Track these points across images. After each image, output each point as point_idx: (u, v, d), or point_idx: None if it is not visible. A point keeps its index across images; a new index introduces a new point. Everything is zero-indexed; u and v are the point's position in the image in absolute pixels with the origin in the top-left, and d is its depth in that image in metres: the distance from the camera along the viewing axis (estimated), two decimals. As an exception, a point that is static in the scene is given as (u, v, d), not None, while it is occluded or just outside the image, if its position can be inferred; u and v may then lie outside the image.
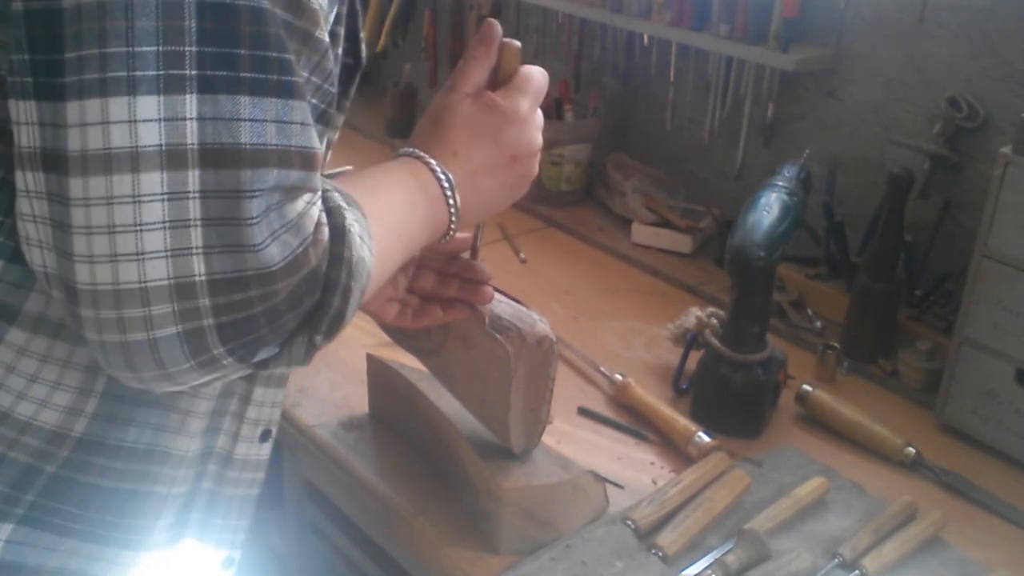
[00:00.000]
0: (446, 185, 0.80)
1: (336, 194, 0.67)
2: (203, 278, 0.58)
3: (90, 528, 0.74)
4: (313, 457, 1.14)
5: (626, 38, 1.74)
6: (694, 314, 1.28)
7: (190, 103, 0.57)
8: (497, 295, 0.97)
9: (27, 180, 0.60)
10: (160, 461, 0.76)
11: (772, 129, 1.59)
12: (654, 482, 1.09)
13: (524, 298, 0.98)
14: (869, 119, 1.47)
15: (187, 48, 0.57)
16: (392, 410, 1.16)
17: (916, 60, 1.39)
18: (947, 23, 1.35)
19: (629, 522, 0.99)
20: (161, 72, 0.56)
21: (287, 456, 1.22)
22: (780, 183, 1.22)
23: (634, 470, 1.11)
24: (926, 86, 1.39)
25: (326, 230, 0.64)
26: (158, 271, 0.58)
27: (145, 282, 0.58)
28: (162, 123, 0.56)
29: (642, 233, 1.66)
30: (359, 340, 1.26)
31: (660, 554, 0.95)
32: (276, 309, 0.61)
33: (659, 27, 1.61)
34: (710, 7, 1.53)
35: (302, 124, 0.61)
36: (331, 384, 1.24)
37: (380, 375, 1.16)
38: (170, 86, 0.56)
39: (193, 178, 0.57)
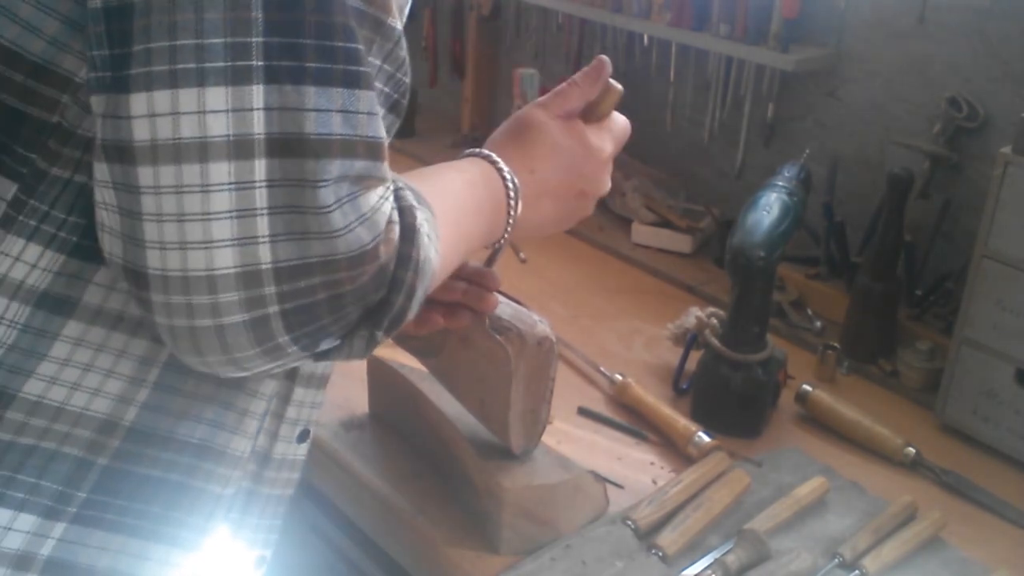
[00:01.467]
0: (512, 195, 0.81)
1: (409, 192, 0.67)
2: (269, 266, 0.59)
3: (139, 522, 0.74)
4: (313, 457, 1.14)
5: (626, 38, 1.75)
6: (694, 314, 1.28)
7: (257, 93, 0.58)
8: (497, 295, 0.97)
9: (103, 170, 0.61)
10: (215, 459, 0.76)
11: (772, 129, 1.59)
12: (654, 482, 1.09)
13: (524, 298, 0.98)
14: (869, 119, 1.47)
15: (254, 39, 0.58)
16: (392, 410, 1.16)
17: (916, 60, 1.39)
18: (947, 23, 1.35)
19: (629, 522, 0.99)
20: (229, 64, 0.57)
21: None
22: (780, 183, 1.22)
23: (634, 470, 1.11)
24: (926, 86, 1.39)
25: (397, 228, 0.64)
26: (225, 259, 0.59)
27: (213, 270, 0.59)
28: (230, 114, 0.57)
29: (642, 233, 1.66)
30: (359, 340, 1.26)
31: (660, 554, 0.95)
32: (340, 300, 0.61)
33: (659, 27, 1.61)
34: (710, 7, 1.53)
35: (368, 114, 0.62)
36: (331, 384, 1.23)
37: (380, 375, 1.16)
38: (238, 77, 0.57)
39: (259, 167, 0.58)
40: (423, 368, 1.08)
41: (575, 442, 1.14)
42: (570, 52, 1.87)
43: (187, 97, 0.57)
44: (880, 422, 1.17)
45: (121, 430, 0.72)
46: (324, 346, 0.64)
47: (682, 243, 1.64)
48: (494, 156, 0.82)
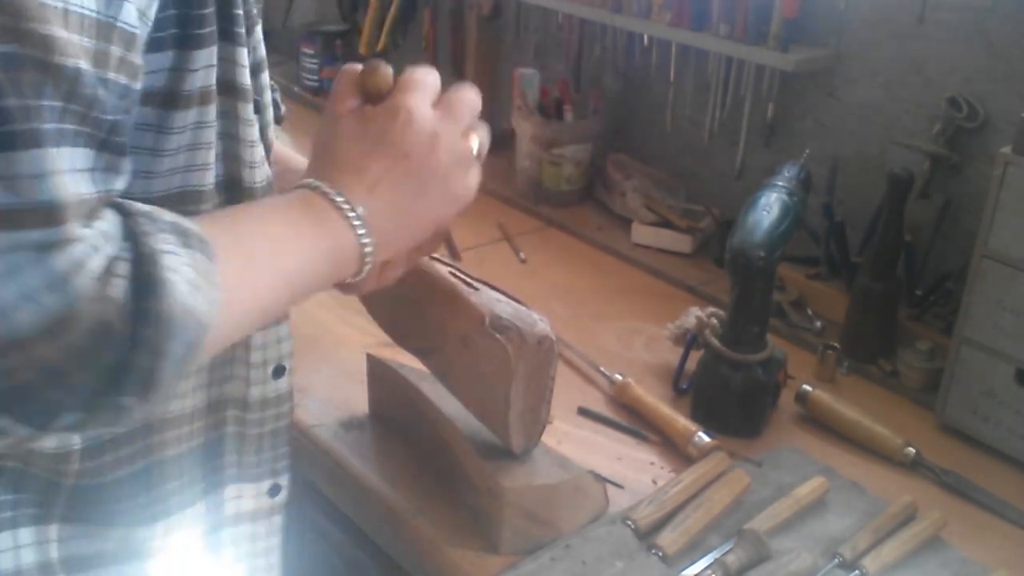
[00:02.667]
0: (343, 204, 0.72)
1: (160, 237, 0.60)
2: None
3: (131, 514, 0.77)
4: (313, 457, 1.14)
5: (626, 38, 1.74)
6: (694, 314, 1.28)
7: None
8: (497, 295, 0.97)
9: None
10: (160, 429, 0.78)
11: (772, 129, 1.59)
12: (654, 482, 1.09)
13: (524, 298, 0.98)
14: (869, 119, 1.47)
15: None
16: (392, 410, 1.16)
17: (916, 60, 1.39)
18: (947, 23, 1.35)
19: (629, 522, 0.99)
20: None
21: (287, 456, 1.22)
22: (780, 183, 1.22)
23: (634, 470, 1.11)
24: (926, 86, 1.39)
25: (122, 284, 0.57)
26: None
27: None
28: None
29: (642, 233, 1.66)
30: (359, 340, 1.26)
31: (660, 554, 0.95)
32: (55, 373, 0.55)
33: (659, 27, 1.61)
34: (710, 7, 1.53)
35: (37, 176, 0.54)
36: (331, 384, 1.24)
37: (380, 375, 1.16)
38: None
39: None
40: (423, 368, 1.08)
41: (575, 442, 1.14)
42: (570, 52, 1.87)
43: None
44: (880, 422, 1.17)
45: (75, 455, 0.73)
46: (66, 419, 0.58)
47: (682, 243, 1.64)
48: (305, 180, 0.73)
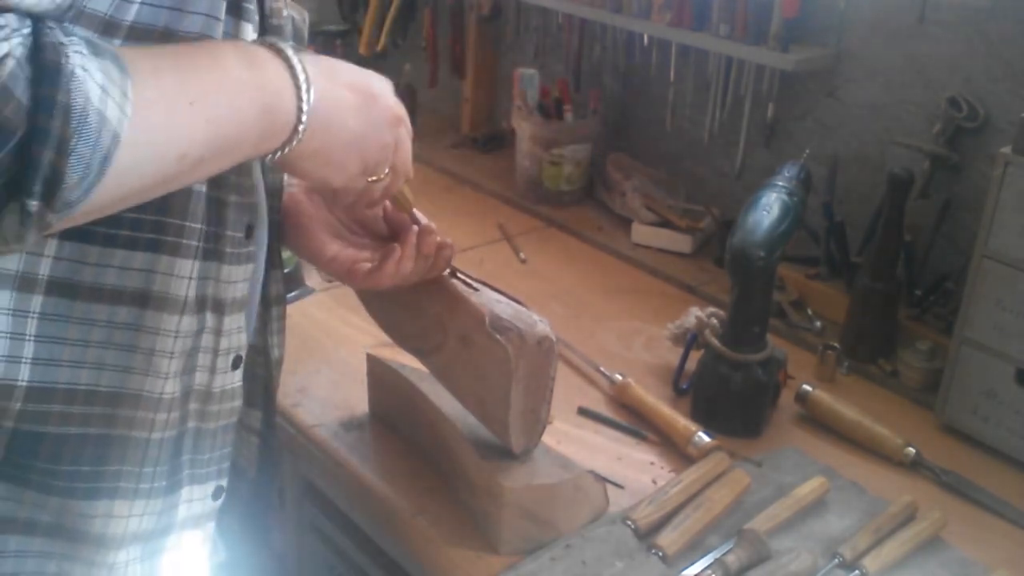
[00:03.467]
0: (291, 56, 0.68)
1: (69, 39, 0.55)
2: None
3: (71, 483, 0.73)
4: (313, 457, 1.14)
5: (626, 38, 1.74)
6: (694, 314, 1.28)
7: None
8: (497, 296, 0.97)
9: None
10: (131, 405, 0.74)
11: (772, 129, 1.59)
12: (654, 482, 1.09)
13: (524, 298, 0.98)
14: (869, 119, 1.47)
15: None
16: (392, 410, 1.16)
17: (916, 60, 1.39)
18: (947, 23, 1.35)
19: (629, 522, 0.99)
20: None
21: (287, 456, 1.22)
22: (780, 183, 1.22)
23: (634, 470, 1.11)
24: (926, 86, 1.39)
25: (14, 64, 0.52)
26: None
27: None
28: None
29: (642, 233, 1.66)
30: (359, 340, 1.26)
31: (660, 554, 0.95)
32: None
33: (659, 27, 1.61)
34: (710, 7, 1.53)
35: None
36: (331, 384, 1.24)
37: (380, 375, 1.16)
38: None
39: None
40: (423, 368, 1.08)
41: (575, 442, 1.14)
42: (570, 52, 1.87)
43: None
44: (880, 422, 1.17)
45: (19, 391, 0.69)
46: None
47: (682, 243, 1.64)
48: (268, 39, 0.70)
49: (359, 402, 1.19)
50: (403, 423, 1.14)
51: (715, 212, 1.63)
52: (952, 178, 1.37)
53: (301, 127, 0.70)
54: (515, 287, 1.00)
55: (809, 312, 1.43)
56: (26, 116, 0.52)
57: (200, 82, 0.64)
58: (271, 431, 0.97)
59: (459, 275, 0.98)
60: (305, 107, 0.69)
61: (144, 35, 0.66)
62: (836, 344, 1.32)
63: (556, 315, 1.41)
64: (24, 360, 0.69)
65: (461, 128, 2.10)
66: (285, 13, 0.83)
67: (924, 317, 1.35)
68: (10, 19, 0.53)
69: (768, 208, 1.17)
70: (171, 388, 0.77)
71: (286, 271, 1.13)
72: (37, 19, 0.55)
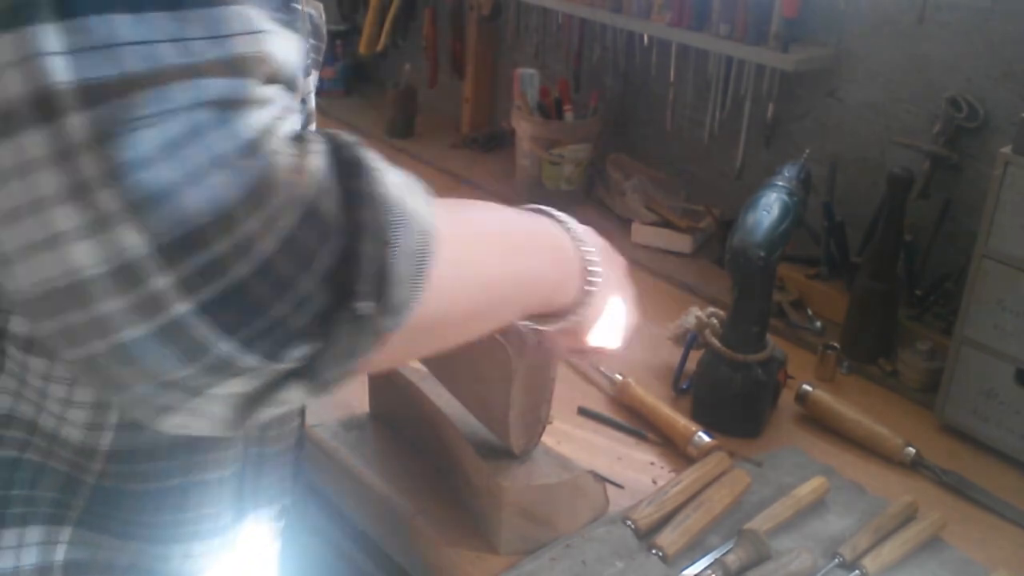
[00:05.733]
0: (576, 232, 0.73)
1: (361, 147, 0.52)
2: (145, 249, 0.44)
3: (151, 531, 0.70)
4: (313, 457, 1.14)
5: (626, 38, 1.75)
6: (694, 314, 1.28)
7: (48, 34, 0.44)
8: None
9: None
10: (206, 449, 0.71)
11: (772, 129, 1.59)
12: (654, 482, 1.09)
13: (524, 298, 0.98)
14: (869, 119, 1.47)
15: None
16: (392, 410, 1.16)
17: (916, 60, 1.39)
18: (947, 23, 1.35)
19: (629, 522, 0.99)
20: (6, 2, 0.44)
21: (287, 456, 1.22)
22: (780, 183, 1.22)
23: (634, 470, 1.11)
24: (926, 86, 1.39)
25: (319, 158, 0.49)
26: (83, 255, 0.44)
27: (74, 273, 0.45)
28: (20, 65, 0.44)
29: (642, 233, 1.66)
30: (359, 340, 1.26)
31: (660, 554, 0.95)
32: (269, 267, 0.46)
33: (659, 27, 1.61)
34: (710, 7, 1.53)
35: (215, 37, 0.47)
36: (331, 384, 1.23)
37: (380, 375, 1.16)
38: (18, 17, 0.44)
39: (79, 124, 0.44)
40: (423, 368, 1.08)
41: (575, 442, 1.14)
42: (570, 52, 1.87)
43: None
44: (880, 422, 1.17)
45: (101, 455, 0.66)
46: (299, 349, 0.49)
47: (682, 243, 1.64)
48: (556, 213, 0.74)
49: (359, 402, 1.19)
50: (403, 423, 1.14)
51: (715, 212, 1.63)
52: (952, 178, 1.37)
53: (588, 295, 0.73)
54: (515, 287, 1.00)
55: (809, 312, 1.43)
56: (344, 212, 0.48)
57: (504, 223, 0.66)
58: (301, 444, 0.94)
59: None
60: (593, 272, 0.73)
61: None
62: (836, 344, 1.32)
63: (556, 315, 1.40)
64: (107, 427, 0.66)
65: (461, 128, 2.10)
66: (304, 9, 0.82)
67: (924, 317, 1.35)
68: (280, 94, 0.50)
69: (768, 208, 1.17)
70: None
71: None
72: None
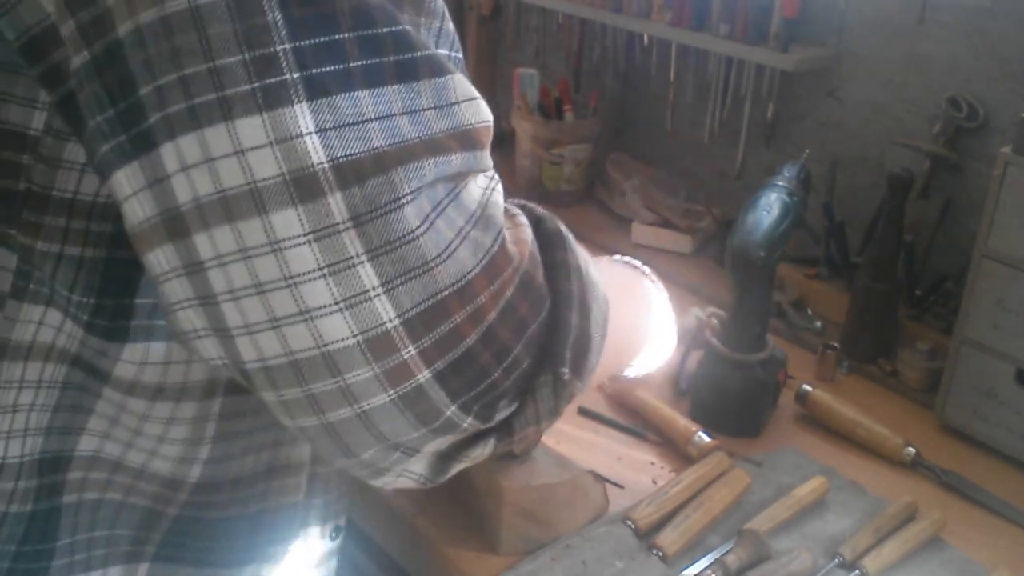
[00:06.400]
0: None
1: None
2: (396, 322, 0.46)
3: (225, 555, 0.71)
4: (313, 457, 1.14)
5: (626, 38, 1.74)
6: (694, 314, 1.28)
7: (301, 114, 0.45)
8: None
9: (159, 260, 0.48)
10: (282, 475, 0.71)
11: (772, 129, 1.59)
12: (654, 482, 1.09)
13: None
14: (869, 119, 1.47)
15: (279, 47, 0.45)
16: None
17: (916, 60, 1.39)
18: (947, 23, 1.35)
19: (629, 522, 0.99)
20: (256, 84, 0.45)
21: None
22: (780, 183, 1.22)
23: (634, 470, 1.11)
24: (926, 86, 1.39)
25: (528, 231, 0.52)
26: (336, 328, 0.46)
27: (326, 346, 0.46)
28: (275, 147, 0.45)
29: (642, 233, 1.66)
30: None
31: (660, 554, 0.95)
32: (494, 336, 0.49)
33: (659, 27, 1.61)
34: (710, 7, 1.53)
35: (441, 106, 0.49)
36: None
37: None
38: (271, 99, 0.45)
39: (336, 204, 0.45)
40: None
41: (575, 442, 1.14)
42: (570, 52, 1.87)
43: (216, 136, 0.45)
44: (880, 422, 1.17)
45: (187, 486, 0.66)
46: (504, 410, 0.52)
47: (682, 243, 1.64)
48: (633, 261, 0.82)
49: (359, 402, 1.19)
50: (403, 423, 1.14)
51: (715, 212, 1.63)
52: (952, 178, 1.37)
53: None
54: (515, 287, 1.00)
55: (809, 312, 1.43)
56: (549, 282, 0.52)
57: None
58: None
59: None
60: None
61: None
62: (836, 344, 1.32)
63: (556, 315, 1.40)
64: (197, 461, 0.66)
65: (461, 128, 2.10)
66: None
67: (924, 317, 1.35)
68: (485, 174, 0.52)
69: (768, 208, 1.17)
70: (308, 447, 0.74)
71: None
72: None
